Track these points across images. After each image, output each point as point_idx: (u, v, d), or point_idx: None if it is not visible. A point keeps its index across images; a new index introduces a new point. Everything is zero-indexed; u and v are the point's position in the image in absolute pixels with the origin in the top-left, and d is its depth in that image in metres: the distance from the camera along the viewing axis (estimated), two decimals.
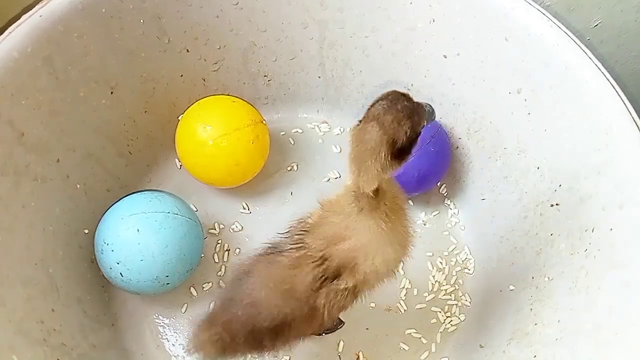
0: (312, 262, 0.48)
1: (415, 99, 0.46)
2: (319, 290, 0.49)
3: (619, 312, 0.54)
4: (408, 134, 0.44)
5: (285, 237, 0.52)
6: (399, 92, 0.45)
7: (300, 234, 0.51)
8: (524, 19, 0.65)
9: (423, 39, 0.74)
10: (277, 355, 0.70)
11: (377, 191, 0.46)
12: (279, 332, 0.51)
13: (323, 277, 0.48)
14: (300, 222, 0.52)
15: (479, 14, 0.68)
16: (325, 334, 0.71)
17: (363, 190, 0.46)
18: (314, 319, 0.51)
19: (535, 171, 0.67)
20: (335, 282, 0.49)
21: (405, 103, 0.44)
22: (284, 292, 0.49)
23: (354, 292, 0.50)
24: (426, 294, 0.76)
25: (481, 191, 0.77)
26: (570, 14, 0.68)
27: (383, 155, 0.43)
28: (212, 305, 0.56)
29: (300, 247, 0.50)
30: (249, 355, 0.56)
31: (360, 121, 0.45)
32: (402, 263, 0.51)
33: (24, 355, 0.55)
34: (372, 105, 0.45)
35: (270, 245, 0.53)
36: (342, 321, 0.71)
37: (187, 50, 0.77)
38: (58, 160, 0.67)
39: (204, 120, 0.73)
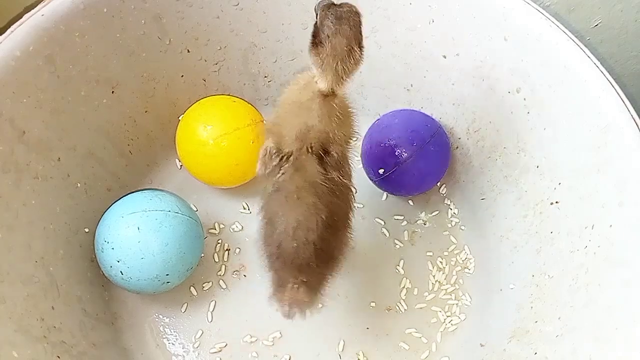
0: (306, 154, 0.54)
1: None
2: (326, 169, 0.55)
3: (619, 309, 0.54)
4: (361, 32, 0.55)
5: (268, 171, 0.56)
6: (328, 4, 0.54)
7: (277, 156, 0.55)
8: (523, 19, 0.65)
9: (423, 40, 0.75)
10: (278, 354, 0.71)
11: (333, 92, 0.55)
12: (335, 227, 0.56)
13: (321, 158, 0.55)
14: (269, 153, 0.56)
15: (478, 14, 0.69)
16: None
17: (332, 90, 0.54)
18: (345, 192, 0.58)
19: (535, 170, 0.68)
20: (330, 155, 0.55)
21: (338, 10, 0.54)
22: (310, 192, 0.54)
23: (345, 157, 0.58)
24: (426, 293, 0.76)
25: (481, 191, 0.77)
26: (570, 14, 0.69)
27: (357, 52, 0.54)
28: (269, 274, 0.59)
29: (287, 158, 0.55)
30: (332, 277, 0.59)
31: (315, 42, 0.54)
32: (356, 133, 0.59)
33: (24, 352, 0.55)
34: (320, 27, 0.53)
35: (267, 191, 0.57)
36: None
37: (188, 51, 0.77)
38: (59, 159, 0.67)
39: (204, 119, 0.73)
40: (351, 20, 0.53)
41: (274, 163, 0.55)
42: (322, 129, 0.54)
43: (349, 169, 0.58)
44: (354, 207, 0.61)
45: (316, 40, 0.54)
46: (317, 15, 0.54)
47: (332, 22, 0.53)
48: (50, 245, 0.65)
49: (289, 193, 0.54)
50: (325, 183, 0.55)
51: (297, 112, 0.55)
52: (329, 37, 0.53)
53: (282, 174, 0.55)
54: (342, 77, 0.53)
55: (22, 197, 0.62)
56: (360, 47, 0.54)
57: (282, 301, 0.57)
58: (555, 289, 0.62)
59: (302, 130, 0.54)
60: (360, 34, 0.54)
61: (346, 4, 0.55)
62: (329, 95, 0.54)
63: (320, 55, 0.53)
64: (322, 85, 0.54)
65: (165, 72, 0.77)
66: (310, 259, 0.54)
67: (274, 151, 0.55)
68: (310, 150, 0.54)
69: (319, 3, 0.55)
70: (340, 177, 0.56)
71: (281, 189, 0.55)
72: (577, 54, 0.62)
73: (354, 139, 0.59)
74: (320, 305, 0.59)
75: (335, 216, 0.56)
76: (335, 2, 0.55)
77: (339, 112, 0.55)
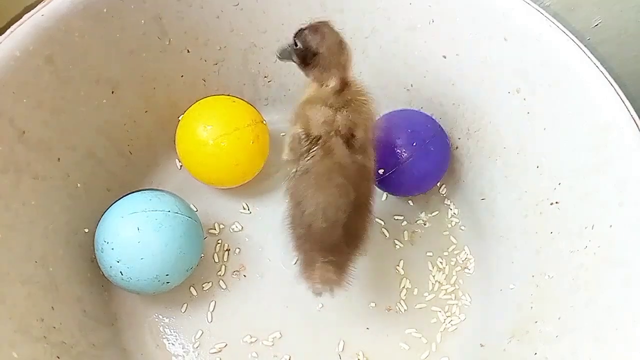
0: (334, 137, 0.58)
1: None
2: (353, 150, 0.58)
3: (619, 309, 0.54)
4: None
5: (296, 156, 0.59)
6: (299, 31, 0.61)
7: (306, 140, 0.58)
8: (523, 19, 0.65)
9: (423, 40, 0.75)
10: (278, 354, 0.71)
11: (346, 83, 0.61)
12: (361, 207, 0.59)
13: (348, 141, 0.58)
14: (297, 139, 0.59)
15: (478, 14, 0.69)
16: None
17: (346, 81, 0.60)
18: (369, 174, 0.61)
19: (535, 170, 0.68)
20: (355, 139, 0.59)
21: (310, 27, 0.61)
22: (339, 174, 0.57)
23: (369, 140, 0.61)
24: (426, 293, 0.76)
25: (481, 191, 0.77)
26: (570, 14, 0.68)
27: (345, 42, 0.61)
28: (297, 256, 0.61)
29: (316, 141, 0.58)
30: (358, 257, 0.62)
31: (306, 63, 0.61)
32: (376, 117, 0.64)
33: (23, 352, 0.55)
34: (303, 42, 0.60)
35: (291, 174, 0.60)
36: None
37: (188, 51, 0.77)
38: (59, 159, 0.67)
39: (204, 120, 0.73)
40: (325, 26, 0.60)
41: (303, 148, 0.58)
42: (347, 115, 0.58)
43: (372, 151, 0.61)
44: (375, 188, 0.64)
45: (307, 60, 0.60)
46: (293, 48, 0.61)
47: (313, 34, 0.60)
48: (50, 245, 0.65)
49: (318, 175, 0.57)
50: (353, 165, 0.58)
51: (320, 103, 0.59)
52: (319, 44, 0.59)
53: (312, 157, 0.57)
54: (344, 67, 0.60)
55: (22, 197, 0.62)
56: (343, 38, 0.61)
57: (312, 279, 0.59)
58: (555, 289, 0.62)
59: (329, 116, 0.58)
60: (337, 31, 0.61)
61: (312, 22, 0.61)
62: (344, 89, 0.59)
63: (319, 64, 0.60)
64: (333, 83, 0.59)
65: (165, 72, 0.77)
66: (339, 239, 0.57)
67: (303, 136, 0.58)
68: (338, 133, 0.58)
69: (279, 49, 0.63)
70: (365, 160, 0.60)
71: (310, 171, 0.57)
72: (577, 54, 0.62)
73: (374, 120, 0.62)
74: (346, 284, 0.61)
75: (361, 197, 0.59)
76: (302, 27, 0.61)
77: (357, 99, 0.60)
